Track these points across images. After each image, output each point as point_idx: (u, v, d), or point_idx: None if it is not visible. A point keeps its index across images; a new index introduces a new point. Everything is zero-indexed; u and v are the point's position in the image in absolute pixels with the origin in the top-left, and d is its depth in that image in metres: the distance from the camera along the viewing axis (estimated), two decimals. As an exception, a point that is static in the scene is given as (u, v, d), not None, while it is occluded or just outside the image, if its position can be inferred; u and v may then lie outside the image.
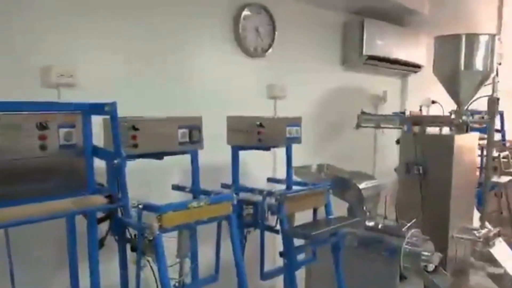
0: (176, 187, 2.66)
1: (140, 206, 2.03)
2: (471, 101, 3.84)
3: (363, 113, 4.30)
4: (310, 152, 4.07)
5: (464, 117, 3.72)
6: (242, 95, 3.44)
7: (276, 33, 3.61)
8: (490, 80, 3.80)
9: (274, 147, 2.82)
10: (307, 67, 4.02)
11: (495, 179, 5.24)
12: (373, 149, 4.94)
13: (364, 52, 4.18)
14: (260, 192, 2.64)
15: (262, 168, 3.45)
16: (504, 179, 5.25)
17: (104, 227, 2.08)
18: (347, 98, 4.49)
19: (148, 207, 2.05)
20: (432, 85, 4.08)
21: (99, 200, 1.94)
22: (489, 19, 6.52)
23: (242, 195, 2.80)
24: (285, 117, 2.79)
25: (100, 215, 2.05)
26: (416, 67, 5.01)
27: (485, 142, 5.00)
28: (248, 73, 3.52)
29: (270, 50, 3.60)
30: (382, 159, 4.89)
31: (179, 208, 2.08)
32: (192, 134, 2.32)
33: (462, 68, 3.63)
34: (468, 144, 3.87)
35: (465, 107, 3.84)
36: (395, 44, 4.58)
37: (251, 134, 2.64)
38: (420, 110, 4.11)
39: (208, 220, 2.23)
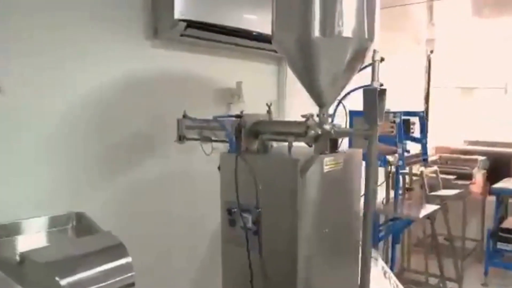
0: None
1: None
2: (341, 96, 2.18)
3: (185, 117, 2.60)
4: (83, 189, 2.35)
5: (326, 126, 2.06)
6: None
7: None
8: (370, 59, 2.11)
9: None
10: (68, 33, 2.28)
11: (423, 212, 3.64)
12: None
13: (175, 15, 2.45)
14: None
15: None
16: (427, 210, 3.65)
17: None
18: (167, 94, 2.76)
19: None
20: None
21: None
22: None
23: None
24: None
25: None
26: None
27: (395, 157, 3.44)
28: None
29: None
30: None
31: None
32: None
33: (317, 33, 1.95)
34: (342, 170, 2.23)
35: (332, 107, 2.19)
36: (249, 8, 2.90)
37: None
38: (268, 111, 2.42)
39: None
